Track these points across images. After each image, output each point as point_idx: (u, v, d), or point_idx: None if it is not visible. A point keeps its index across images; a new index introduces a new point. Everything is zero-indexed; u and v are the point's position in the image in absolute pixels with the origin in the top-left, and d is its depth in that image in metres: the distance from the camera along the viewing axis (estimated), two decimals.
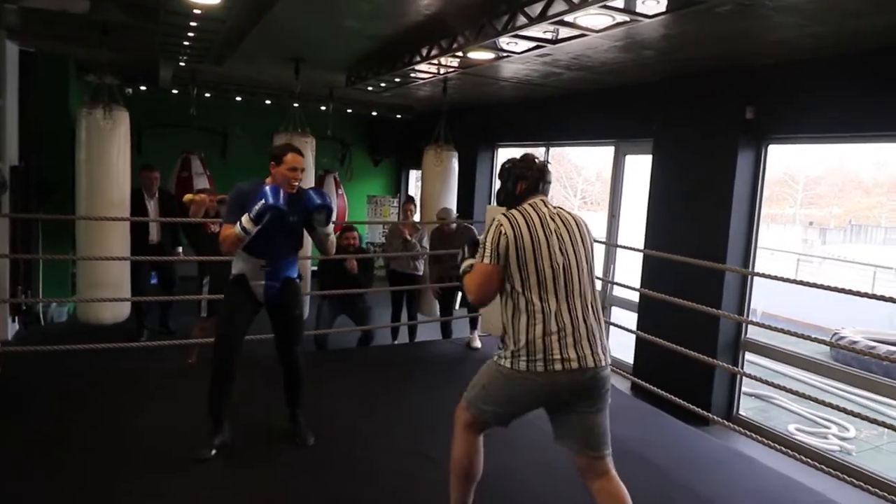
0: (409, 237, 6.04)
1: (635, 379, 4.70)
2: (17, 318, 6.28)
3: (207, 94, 8.45)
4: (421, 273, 6.14)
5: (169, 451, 3.13)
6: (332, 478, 3.01)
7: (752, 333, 4.83)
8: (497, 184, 2.48)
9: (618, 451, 3.38)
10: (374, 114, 10.00)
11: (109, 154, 4.89)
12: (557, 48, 4.37)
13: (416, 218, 6.63)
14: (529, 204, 2.35)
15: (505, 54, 4.15)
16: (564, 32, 3.52)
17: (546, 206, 2.35)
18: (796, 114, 4.33)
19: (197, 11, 3.50)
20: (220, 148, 9.68)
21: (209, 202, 5.07)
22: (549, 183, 2.45)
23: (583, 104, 6.48)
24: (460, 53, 4.21)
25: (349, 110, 9.68)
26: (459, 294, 6.07)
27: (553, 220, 2.31)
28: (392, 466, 3.17)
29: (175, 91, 8.17)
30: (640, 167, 6.02)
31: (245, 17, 4.07)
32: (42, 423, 3.43)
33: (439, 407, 3.97)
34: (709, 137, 4.83)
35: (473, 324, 5.62)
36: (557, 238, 2.27)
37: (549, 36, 3.60)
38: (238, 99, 8.74)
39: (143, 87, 8.06)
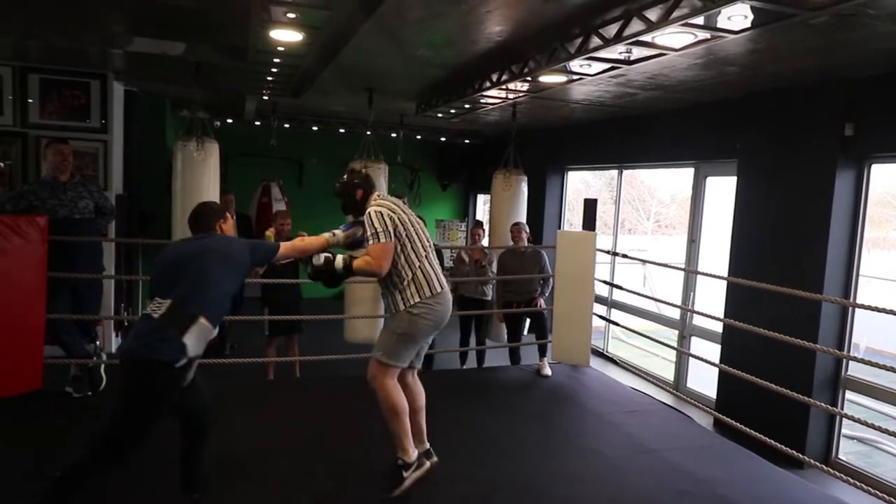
0: (474, 260, 6.02)
1: (718, 415, 4.40)
2: (119, 333, 6.74)
3: (286, 125, 8.87)
4: (489, 298, 6.09)
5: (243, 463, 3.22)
6: None
7: (854, 370, 4.44)
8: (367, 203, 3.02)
9: (699, 492, 3.19)
10: (443, 139, 10.14)
11: (201, 182, 5.19)
12: (632, 69, 4.27)
13: (485, 242, 6.60)
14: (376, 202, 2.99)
15: (577, 77, 4.09)
16: (640, 52, 3.43)
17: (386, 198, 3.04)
18: None
19: (280, 49, 3.68)
20: (297, 176, 10.07)
21: (280, 226, 5.28)
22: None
23: (659, 124, 6.29)
24: (531, 78, 4.19)
25: (418, 136, 9.86)
26: (528, 320, 5.97)
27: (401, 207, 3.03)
28: (456, 493, 3.09)
29: (257, 123, 8.63)
30: (721, 189, 5.75)
31: (323, 51, 4.23)
32: None
33: (507, 434, 3.90)
34: (802, 157, 4.53)
35: (543, 351, 5.49)
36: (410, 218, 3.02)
37: (623, 56, 3.52)
38: (314, 129, 9.11)
39: (229, 120, 8.56)
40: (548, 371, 5.36)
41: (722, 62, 4.02)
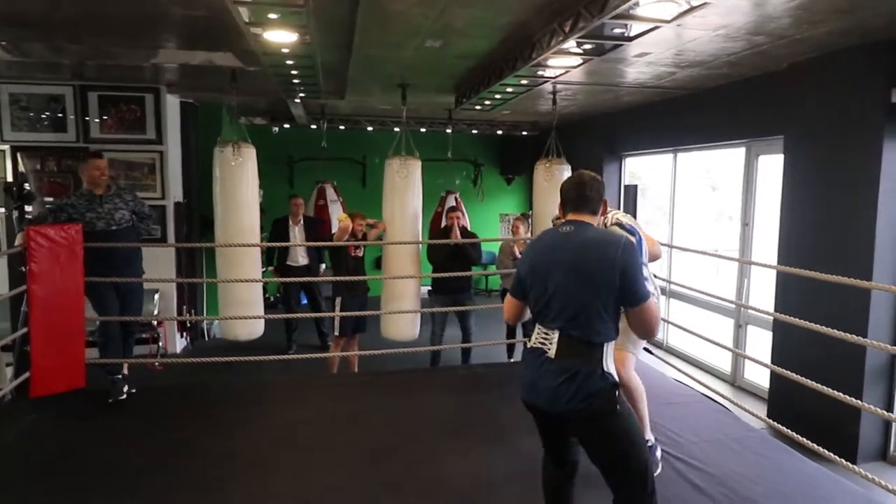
0: (518, 254, 5.96)
1: (750, 410, 4.09)
2: (184, 334, 7.22)
3: (342, 127, 9.13)
4: None
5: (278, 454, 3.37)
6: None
7: None
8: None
9: (711, 489, 3.00)
10: (500, 132, 10.05)
11: (239, 187, 5.42)
12: (653, 45, 4.08)
13: (527, 235, 6.49)
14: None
15: (585, 58, 3.94)
16: (639, 28, 3.26)
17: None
18: None
19: (286, 50, 3.81)
20: (361, 177, 10.33)
21: (357, 227, 5.44)
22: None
23: (707, 103, 5.95)
24: (539, 63, 4.09)
25: (473, 131, 9.84)
26: None
27: None
28: (450, 485, 3.07)
29: (313, 126, 8.94)
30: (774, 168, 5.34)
31: (336, 51, 4.34)
32: (178, 426, 3.80)
33: (522, 423, 3.81)
34: (846, 129, 4.13)
35: None
36: None
37: (619, 32, 3.35)
38: (369, 129, 9.31)
39: (286, 126, 8.93)
40: None
41: (745, 32, 3.73)
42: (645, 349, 5.69)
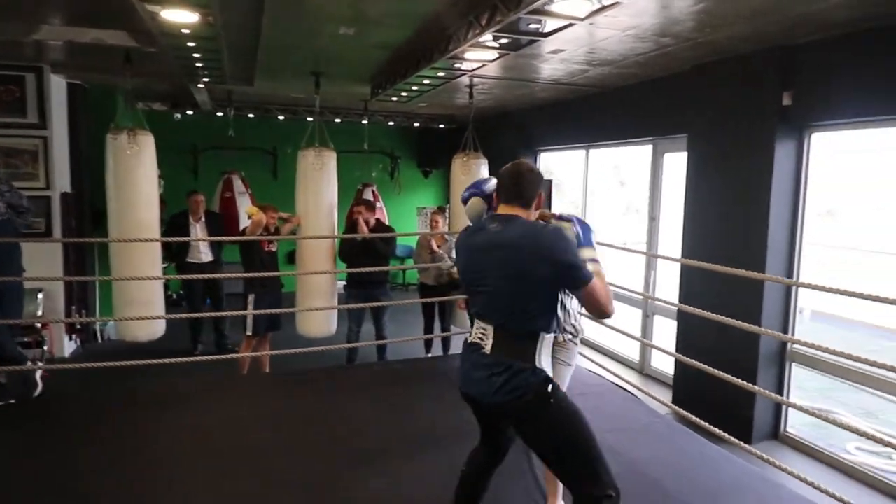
0: (436, 248, 5.93)
1: (655, 396, 4.30)
2: (73, 337, 6.64)
3: (251, 115, 8.70)
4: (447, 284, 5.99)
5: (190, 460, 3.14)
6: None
7: (801, 333, 4.34)
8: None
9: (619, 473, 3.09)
10: (417, 125, 9.98)
11: (136, 177, 5.02)
12: (567, 42, 4.14)
13: (445, 229, 6.48)
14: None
15: (503, 52, 3.94)
16: (554, 24, 3.28)
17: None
18: (841, 97, 3.82)
19: (186, 31, 3.53)
20: (272, 167, 9.92)
21: (269, 220, 5.16)
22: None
23: (617, 101, 6.15)
24: (461, 55, 4.05)
25: (390, 123, 9.70)
26: None
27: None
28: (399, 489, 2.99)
29: (219, 114, 8.47)
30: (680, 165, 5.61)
31: (243, 34, 4.09)
32: (73, 436, 3.45)
33: (463, 423, 3.78)
34: (743, 129, 4.39)
35: None
36: None
37: (534, 27, 3.37)
38: (281, 118, 8.94)
39: (189, 112, 8.40)
40: None
41: (651, 33, 3.86)
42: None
